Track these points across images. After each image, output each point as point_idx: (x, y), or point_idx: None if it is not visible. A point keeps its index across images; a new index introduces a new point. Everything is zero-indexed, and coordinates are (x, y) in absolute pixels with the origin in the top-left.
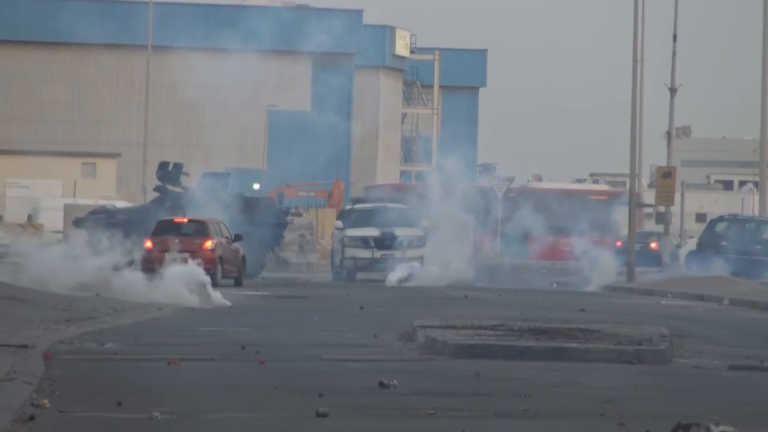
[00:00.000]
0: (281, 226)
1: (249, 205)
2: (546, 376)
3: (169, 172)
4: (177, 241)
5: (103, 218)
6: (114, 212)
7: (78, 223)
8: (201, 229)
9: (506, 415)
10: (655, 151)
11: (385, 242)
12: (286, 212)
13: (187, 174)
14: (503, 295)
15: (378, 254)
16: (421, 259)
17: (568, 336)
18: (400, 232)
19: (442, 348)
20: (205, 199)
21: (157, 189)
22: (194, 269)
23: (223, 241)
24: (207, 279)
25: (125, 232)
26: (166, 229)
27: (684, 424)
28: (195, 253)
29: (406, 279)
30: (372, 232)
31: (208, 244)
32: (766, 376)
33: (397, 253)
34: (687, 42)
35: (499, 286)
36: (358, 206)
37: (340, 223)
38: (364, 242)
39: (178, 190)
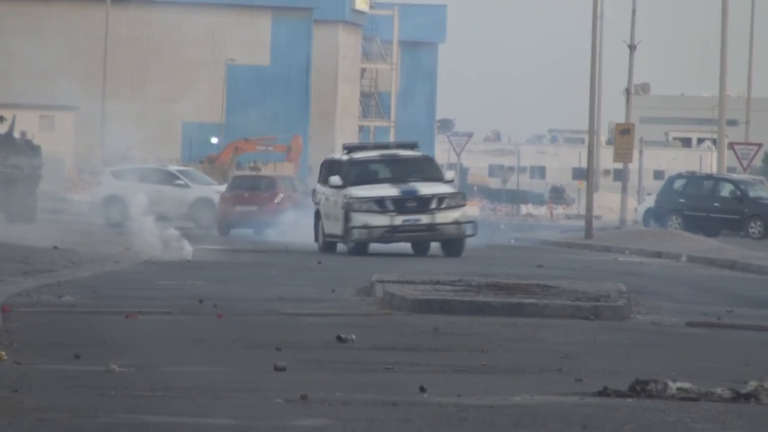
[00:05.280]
0: (40, 165)
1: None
2: (504, 331)
3: None
4: (247, 195)
5: None
6: None
7: None
8: (270, 183)
9: (464, 370)
10: (613, 108)
11: (407, 203)
12: (38, 148)
13: None
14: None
15: (398, 220)
16: (462, 225)
17: (526, 292)
18: (425, 188)
19: (400, 303)
20: None
21: None
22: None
23: (294, 195)
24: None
25: None
26: (238, 185)
27: (642, 380)
28: (263, 206)
29: None
30: (388, 190)
31: (277, 198)
32: (723, 333)
33: (425, 218)
34: None
35: None
36: (358, 156)
37: (337, 180)
38: (380, 204)
39: None
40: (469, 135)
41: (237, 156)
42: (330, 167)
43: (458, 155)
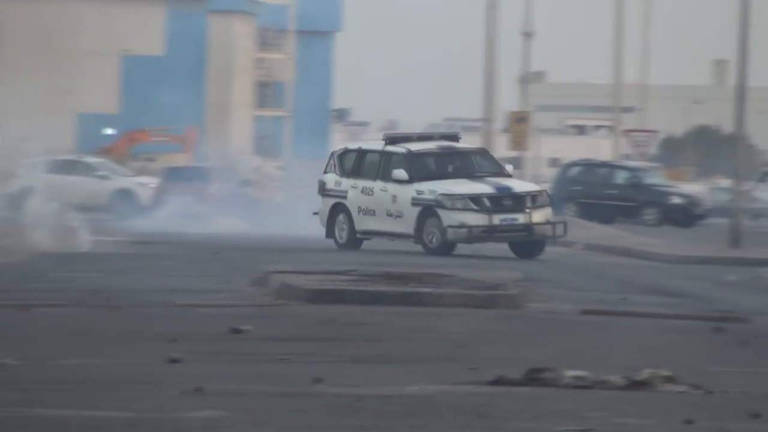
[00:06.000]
0: None
1: None
2: (399, 321)
3: None
4: (181, 186)
5: None
6: None
7: None
8: (204, 174)
9: (360, 360)
10: (510, 97)
11: (504, 201)
12: None
13: None
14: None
15: (497, 219)
16: (555, 225)
17: (421, 281)
18: (517, 186)
19: (295, 293)
20: None
21: None
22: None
23: (230, 186)
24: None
25: None
26: (172, 176)
27: (536, 369)
28: (198, 197)
29: None
30: (480, 187)
31: (211, 188)
32: (618, 321)
33: (521, 217)
34: None
35: None
36: (418, 148)
37: (403, 173)
38: (476, 202)
39: None
40: (364, 124)
41: (132, 147)
42: (359, 158)
43: None
